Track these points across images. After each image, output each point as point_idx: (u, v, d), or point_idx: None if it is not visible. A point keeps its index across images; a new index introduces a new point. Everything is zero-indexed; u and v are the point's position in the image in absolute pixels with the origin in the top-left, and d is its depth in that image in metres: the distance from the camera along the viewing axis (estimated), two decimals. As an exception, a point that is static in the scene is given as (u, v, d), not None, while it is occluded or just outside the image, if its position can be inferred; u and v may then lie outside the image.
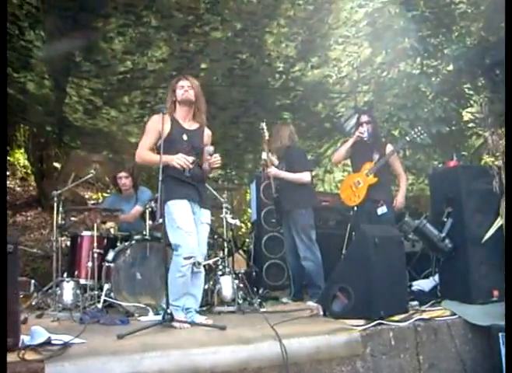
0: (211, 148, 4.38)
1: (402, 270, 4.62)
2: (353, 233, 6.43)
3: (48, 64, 6.60)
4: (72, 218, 7.04)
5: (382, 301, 4.18)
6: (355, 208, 5.90)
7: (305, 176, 5.75)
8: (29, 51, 6.37)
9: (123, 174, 6.21)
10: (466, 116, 8.07)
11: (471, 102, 7.67)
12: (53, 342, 3.27)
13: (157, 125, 4.28)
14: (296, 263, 5.87)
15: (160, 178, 3.99)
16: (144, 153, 4.35)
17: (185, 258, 4.10)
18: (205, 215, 4.43)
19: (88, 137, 8.00)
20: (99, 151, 5.90)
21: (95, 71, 6.70)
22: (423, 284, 5.59)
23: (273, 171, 5.68)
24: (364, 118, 5.84)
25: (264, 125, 5.81)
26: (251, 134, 8.23)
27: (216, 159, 4.35)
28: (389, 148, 5.83)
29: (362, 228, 4.54)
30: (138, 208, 6.05)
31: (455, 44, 6.82)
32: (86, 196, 9.44)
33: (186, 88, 4.43)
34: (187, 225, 4.18)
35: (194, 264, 4.15)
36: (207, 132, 4.62)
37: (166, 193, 4.13)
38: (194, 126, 4.52)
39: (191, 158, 4.23)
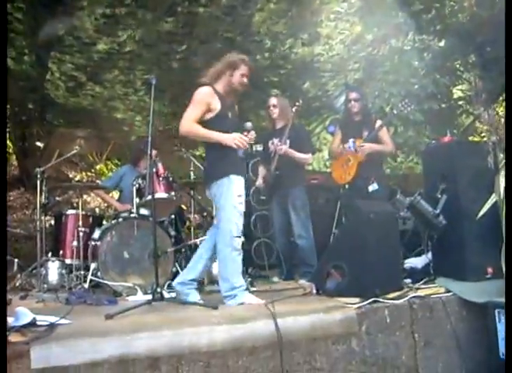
0: (248, 124, 4.21)
1: (397, 247, 4.54)
2: (343, 211, 6.35)
3: (29, 37, 6.35)
4: (57, 198, 6.85)
5: (377, 278, 4.08)
6: (346, 186, 5.79)
7: (310, 158, 5.79)
8: (8, 24, 6.12)
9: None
10: (456, 93, 7.99)
11: (462, 79, 7.57)
12: (38, 323, 3.13)
13: (207, 98, 4.09)
14: (287, 241, 5.77)
15: (149, 152, 3.84)
16: (191, 125, 4.07)
17: (238, 236, 4.06)
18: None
19: (71, 115, 7.82)
20: (83, 128, 5.72)
21: (77, 46, 6.49)
22: (416, 262, 5.49)
23: (284, 148, 5.51)
24: (352, 95, 5.73)
25: (275, 100, 5.65)
26: (240, 111, 8.06)
27: (252, 136, 4.19)
28: (378, 123, 5.72)
29: (357, 203, 4.43)
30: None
31: (447, 19, 6.71)
32: (70, 176, 9.26)
33: (245, 80, 4.23)
34: (242, 205, 4.12)
35: None
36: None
37: (222, 166, 4.07)
38: (233, 102, 4.35)
39: (247, 138, 4.10)
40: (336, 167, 5.94)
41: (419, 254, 5.75)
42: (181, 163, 6.20)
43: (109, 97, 7.54)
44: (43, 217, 5.39)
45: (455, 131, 7.26)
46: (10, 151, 9.67)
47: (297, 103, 5.64)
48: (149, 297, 4.02)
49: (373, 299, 3.96)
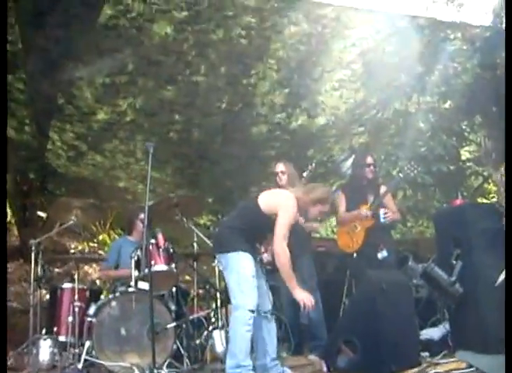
0: None
1: (412, 318, 4.26)
2: (353, 280, 6.06)
3: (30, 107, 6.32)
4: (56, 270, 6.62)
5: (392, 353, 3.81)
6: (355, 254, 5.54)
7: (318, 226, 5.70)
8: (10, 95, 6.10)
9: (143, 216, 5.76)
10: (464, 155, 7.87)
11: (469, 140, 7.47)
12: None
13: None
14: (295, 314, 5.46)
15: (146, 222, 3.65)
16: None
17: (250, 310, 3.87)
18: None
19: (73, 185, 7.71)
20: (84, 198, 5.61)
21: (78, 115, 6.44)
22: (432, 333, 5.17)
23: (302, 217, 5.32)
24: (369, 159, 5.53)
25: (282, 167, 5.50)
26: (244, 182, 7.98)
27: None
28: (383, 188, 5.53)
29: (368, 273, 4.18)
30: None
31: (452, 81, 6.66)
32: (72, 246, 9.04)
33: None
34: (253, 279, 4.03)
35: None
36: None
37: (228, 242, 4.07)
38: None
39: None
40: (342, 234, 5.71)
41: (434, 324, 5.45)
42: (184, 233, 6.02)
43: (110, 167, 7.45)
44: (38, 291, 5.16)
45: (465, 193, 7.08)
46: (12, 221, 9.55)
47: (310, 167, 5.49)
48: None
49: (389, 377, 3.66)
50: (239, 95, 6.61)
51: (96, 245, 9.11)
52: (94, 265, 8.62)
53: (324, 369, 4.10)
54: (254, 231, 4.15)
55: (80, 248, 8.86)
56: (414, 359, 4.05)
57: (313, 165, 5.50)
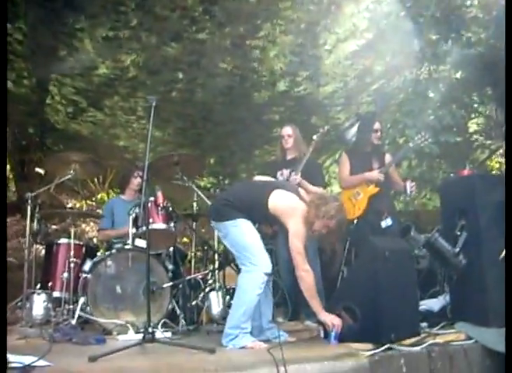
0: None
1: (414, 288, 4.17)
2: (353, 248, 5.98)
3: (29, 59, 6.13)
4: (54, 226, 6.53)
5: (392, 322, 3.71)
6: (356, 221, 5.43)
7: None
8: (8, 46, 5.91)
9: (139, 173, 5.51)
10: (472, 127, 7.70)
11: (478, 112, 7.30)
12: (11, 365, 2.76)
13: None
14: (293, 278, 5.37)
15: (145, 177, 3.53)
16: None
17: (266, 273, 3.83)
18: None
19: (71, 141, 7.58)
20: (79, 152, 5.47)
21: (79, 69, 6.26)
22: (431, 304, 5.10)
23: (298, 179, 5.19)
24: (377, 125, 5.38)
25: (289, 130, 5.33)
26: (247, 145, 7.84)
27: None
28: (388, 158, 5.42)
29: (371, 240, 4.06)
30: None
31: (464, 50, 6.45)
32: (70, 205, 8.94)
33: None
34: (258, 240, 3.99)
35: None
36: None
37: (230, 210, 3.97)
38: None
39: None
40: (343, 201, 5.59)
41: (433, 296, 5.38)
42: (183, 194, 5.91)
43: (110, 124, 7.30)
44: (34, 246, 5.07)
45: (471, 166, 6.93)
46: (11, 176, 9.45)
47: (321, 130, 5.34)
48: (141, 336, 3.66)
49: (387, 346, 3.58)
50: (245, 58, 6.40)
51: (94, 203, 9.04)
52: (92, 223, 8.56)
53: (322, 335, 4.02)
54: (255, 218, 4.04)
55: (78, 206, 8.79)
56: (413, 329, 3.97)
57: (326, 128, 5.33)
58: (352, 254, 5.98)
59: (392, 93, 7.06)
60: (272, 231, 5.47)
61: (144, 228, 4.58)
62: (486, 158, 8.15)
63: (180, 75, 6.62)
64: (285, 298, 5.46)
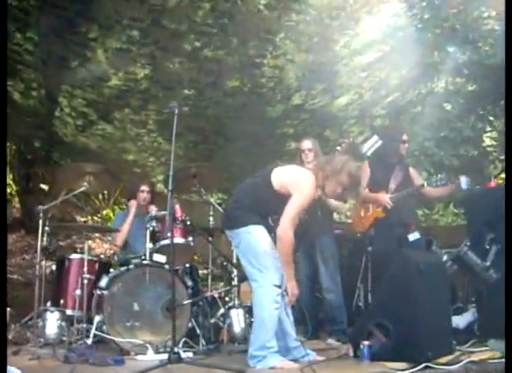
0: None
1: (447, 303, 3.98)
2: (369, 264, 5.80)
3: (39, 70, 5.99)
4: (60, 243, 6.32)
5: (428, 339, 3.52)
6: (377, 233, 5.26)
7: (343, 206, 5.44)
8: (17, 55, 5.77)
9: (145, 188, 5.46)
10: (486, 141, 7.59)
11: (492, 126, 7.19)
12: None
13: None
14: (312, 295, 5.23)
15: (170, 188, 3.36)
16: None
17: (278, 286, 3.60)
18: None
19: (79, 156, 7.38)
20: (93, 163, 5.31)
21: (90, 80, 6.11)
22: (457, 320, 4.91)
23: (318, 192, 5.03)
24: (405, 136, 5.25)
25: (309, 144, 5.19)
26: (258, 160, 7.68)
27: None
28: (412, 171, 5.28)
29: (405, 252, 3.90)
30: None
31: (481, 63, 6.36)
32: (76, 218, 8.77)
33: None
34: (274, 251, 3.71)
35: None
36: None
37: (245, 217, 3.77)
38: None
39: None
40: (356, 208, 5.54)
41: (457, 312, 5.20)
42: (197, 208, 5.76)
43: (120, 138, 7.12)
44: (43, 262, 4.86)
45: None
46: (13, 192, 9.26)
47: (346, 141, 5.20)
48: (161, 356, 3.49)
49: (424, 364, 3.39)
50: (262, 77, 6.28)
51: (99, 220, 8.84)
52: (98, 240, 8.36)
53: (351, 354, 3.82)
54: (266, 209, 3.86)
55: (86, 221, 8.58)
56: (448, 347, 3.79)
57: (351, 139, 5.20)
58: (368, 270, 5.84)
59: (406, 106, 6.92)
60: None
61: (162, 242, 4.41)
62: (500, 172, 8.02)
63: (195, 92, 6.47)
64: (304, 315, 5.28)
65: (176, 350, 3.19)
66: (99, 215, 8.90)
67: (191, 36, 5.74)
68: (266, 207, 3.83)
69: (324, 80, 6.42)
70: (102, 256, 7.10)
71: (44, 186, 8.52)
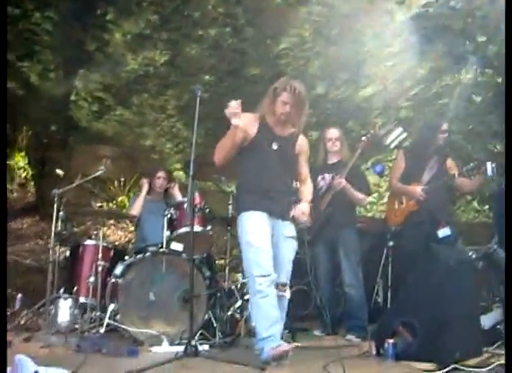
0: None
1: (477, 302, 3.80)
2: (390, 259, 5.62)
3: (57, 52, 5.85)
4: (74, 229, 6.20)
5: (457, 339, 3.35)
6: (402, 227, 5.07)
7: (365, 199, 5.17)
8: (35, 36, 5.64)
9: (162, 174, 5.39)
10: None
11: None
12: (40, 378, 2.44)
13: (245, 125, 3.66)
14: (332, 290, 5.09)
15: (191, 173, 3.21)
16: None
17: (259, 276, 3.42)
18: (289, 229, 3.74)
19: (95, 140, 7.25)
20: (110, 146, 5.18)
21: (108, 63, 5.96)
22: (483, 320, 4.72)
23: (343, 183, 4.86)
24: (445, 126, 4.97)
25: (336, 132, 5.08)
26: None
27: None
28: (450, 163, 4.99)
29: (434, 247, 3.71)
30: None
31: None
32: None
33: (287, 108, 3.66)
34: (259, 240, 3.53)
35: (277, 286, 3.55)
36: (303, 139, 3.88)
37: (239, 202, 3.74)
38: (287, 131, 3.80)
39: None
40: (390, 203, 5.33)
41: (482, 311, 5.02)
42: (216, 197, 5.60)
43: (138, 123, 6.97)
44: (57, 248, 4.74)
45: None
46: (29, 176, 9.19)
47: (372, 132, 5.04)
48: (176, 348, 3.34)
49: (452, 366, 3.22)
50: (287, 67, 6.10)
51: (115, 206, 8.72)
52: (113, 227, 8.26)
53: (374, 352, 3.66)
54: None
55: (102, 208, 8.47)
56: (477, 348, 3.61)
57: (377, 127, 5.02)
58: (389, 265, 5.66)
59: (432, 98, 6.69)
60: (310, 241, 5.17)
61: (179, 230, 4.27)
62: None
63: (215, 79, 6.29)
64: (320, 310, 5.12)
65: (193, 342, 3.04)
66: (114, 202, 8.78)
67: (215, 26, 5.57)
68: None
69: (348, 70, 6.21)
70: (117, 243, 7.02)
71: (60, 171, 8.42)
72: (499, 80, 6.51)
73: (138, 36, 5.52)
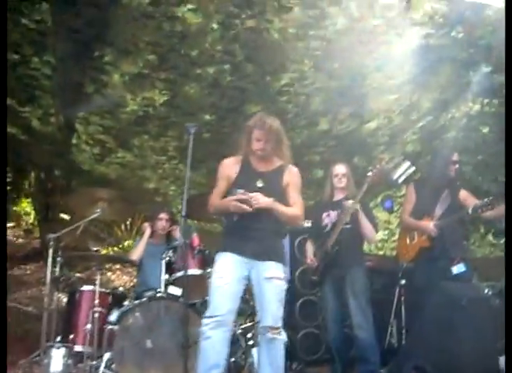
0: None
1: (494, 342, 3.56)
2: (403, 299, 5.38)
3: (57, 96, 5.82)
4: (78, 274, 6.09)
5: (473, 385, 3.11)
6: (414, 264, 4.86)
7: (375, 236, 4.99)
8: (35, 81, 5.63)
9: (164, 215, 5.25)
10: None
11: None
12: None
13: (226, 170, 3.75)
14: (341, 332, 4.85)
15: (183, 213, 3.08)
16: (216, 201, 3.70)
17: (206, 317, 3.35)
18: (272, 270, 3.57)
19: (98, 184, 7.17)
20: (106, 189, 5.07)
21: (107, 105, 5.92)
22: (503, 361, 4.45)
23: (357, 207, 4.69)
24: (455, 157, 4.82)
25: (343, 169, 4.97)
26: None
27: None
28: (463, 194, 4.75)
29: (444, 285, 3.51)
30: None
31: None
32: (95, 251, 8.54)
33: (261, 144, 3.63)
34: (219, 280, 3.47)
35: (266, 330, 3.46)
36: (291, 170, 3.78)
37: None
38: (273, 166, 3.74)
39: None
40: (400, 237, 5.13)
41: (501, 352, 4.74)
42: (217, 238, 5.44)
43: (139, 166, 6.90)
44: (55, 294, 4.62)
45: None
46: (34, 222, 9.13)
47: (378, 166, 4.88)
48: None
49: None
50: (288, 104, 6.03)
51: (121, 251, 8.60)
52: (118, 272, 8.11)
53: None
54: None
55: (104, 253, 8.34)
56: (495, 392, 3.37)
57: (383, 163, 4.86)
58: (401, 306, 5.42)
59: (440, 131, 6.56)
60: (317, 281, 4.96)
61: (177, 274, 4.11)
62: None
63: (216, 118, 6.23)
64: (332, 354, 4.87)
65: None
66: (120, 246, 8.66)
67: (213, 64, 5.52)
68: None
69: (351, 104, 6.11)
70: (121, 289, 6.85)
71: (65, 216, 8.35)
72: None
73: (137, 76, 5.45)
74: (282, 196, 3.62)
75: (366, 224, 4.71)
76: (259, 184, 3.60)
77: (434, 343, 3.22)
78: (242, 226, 3.55)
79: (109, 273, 7.95)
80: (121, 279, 7.94)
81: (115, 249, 8.58)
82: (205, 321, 3.32)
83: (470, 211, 4.51)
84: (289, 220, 3.70)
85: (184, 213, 3.08)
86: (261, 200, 3.47)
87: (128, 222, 8.67)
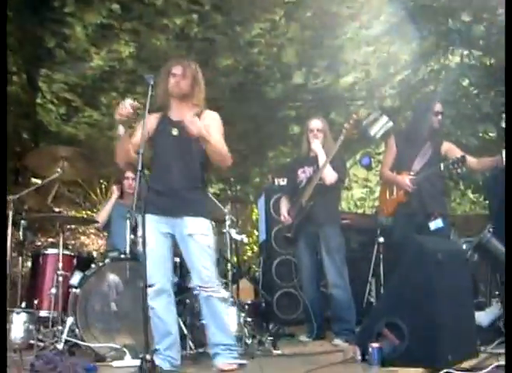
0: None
1: (470, 298, 3.45)
2: (381, 256, 5.27)
3: (16, 51, 5.50)
4: (50, 239, 5.88)
5: (448, 340, 2.99)
6: (390, 220, 4.71)
7: (335, 178, 4.61)
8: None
9: (130, 174, 5.05)
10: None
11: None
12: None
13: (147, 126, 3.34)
14: (317, 292, 4.76)
15: (139, 168, 2.87)
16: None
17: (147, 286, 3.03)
18: (191, 225, 3.33)
19: (67, 145, 6.92)
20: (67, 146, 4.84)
21: (70, 61, 5.62)
22: (480, 317, 4.36)
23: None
24: (438, 107, 4.57)
25: (319, 124, 4.80)
26: (259, 146, 7.16)
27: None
28: (446, 146, 4.56)
29: (419, 239, 3.35)
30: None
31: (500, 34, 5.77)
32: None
33: (178, 79, 3.47)
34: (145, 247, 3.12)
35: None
36: (208, 114, 3.54)
37: None
38: (189, 113, 3.42)
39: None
40: (381, 191, 4.99)
41: (479, 308, 4.66)
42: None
43: (108, 125, 6.63)
44: (20, 259, 4.43)
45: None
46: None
47: (351, 121, 4.68)
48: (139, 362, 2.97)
49: (444, 371, 2.86)
50: (260, 55, 5.77)
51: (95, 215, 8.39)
52: (92, 236, 7.93)
53: (359, 357, 3.31)
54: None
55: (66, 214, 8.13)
56: (471, 349, 3.26)
57: (360, 114, 4.66)
58: (380, 263, 5.32)
59: (418, 85, 6.36)
60: (291, 238, 4.81)
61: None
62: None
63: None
64: (309, 313, 4.77)
65: (148, 357, 2.67)
66: (95, 210, 8.46)
67: (181, 15, 5.25)
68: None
69: (326, 56, 5.89)
70: (94, 253, 6.67)
71: (37, 181, 8.09)
72: (489, 62, 6.19)
73: (100, 27, 5.18)
74: (198, 145, 3.37)
75: (327, 168, 4.52)
76: (174, 132, 3.41)
77: (408, 300, 3.09)
78: (155, 181, 3.37)
79: (83, 237, 7.77)
80: (96, 243, 7.77)
81: (90, 213, 8.36)
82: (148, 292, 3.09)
83: (442, 168, 4.35)
84: (220, 156, 3.45)
85: (139, 167, 2.85)
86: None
87: (103, 186, 8.48)
